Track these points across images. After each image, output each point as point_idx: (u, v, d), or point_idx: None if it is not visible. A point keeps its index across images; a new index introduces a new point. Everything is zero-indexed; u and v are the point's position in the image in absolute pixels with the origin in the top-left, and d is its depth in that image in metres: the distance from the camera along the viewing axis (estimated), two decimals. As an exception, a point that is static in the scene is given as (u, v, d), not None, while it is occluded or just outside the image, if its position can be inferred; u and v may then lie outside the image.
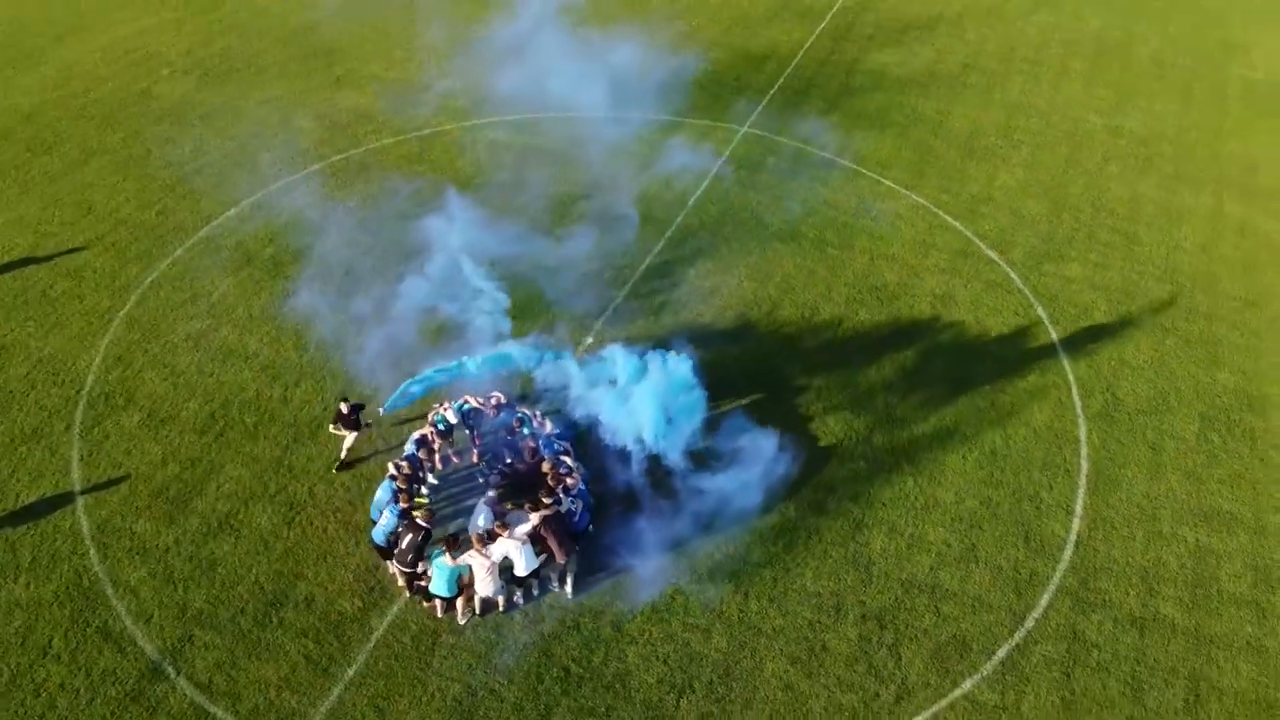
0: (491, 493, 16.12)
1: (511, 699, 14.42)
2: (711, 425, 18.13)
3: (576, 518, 15.62)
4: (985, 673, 14.99)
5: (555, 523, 15.13)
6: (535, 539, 14.99)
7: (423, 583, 15.12)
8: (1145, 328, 21.59)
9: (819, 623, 15.58)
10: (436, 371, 17.70)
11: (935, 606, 15.87)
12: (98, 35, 32.14)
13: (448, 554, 14.63)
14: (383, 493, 15.68)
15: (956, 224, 24.55)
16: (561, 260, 22.11)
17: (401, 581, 15.47)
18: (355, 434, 17.49)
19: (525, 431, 17.03)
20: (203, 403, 18.97)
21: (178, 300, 21.34)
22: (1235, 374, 20.47)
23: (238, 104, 28.47)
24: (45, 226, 23.52)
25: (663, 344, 19.09)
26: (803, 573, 16.29)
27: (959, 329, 21.31)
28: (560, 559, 15.20)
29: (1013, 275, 22.94)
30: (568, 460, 16.29)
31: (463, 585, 14.96)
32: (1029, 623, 15.70)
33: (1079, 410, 19.44)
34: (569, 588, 15.69)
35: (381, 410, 17.77)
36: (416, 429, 17.57)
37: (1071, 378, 20.17)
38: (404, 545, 14.82)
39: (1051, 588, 16.22)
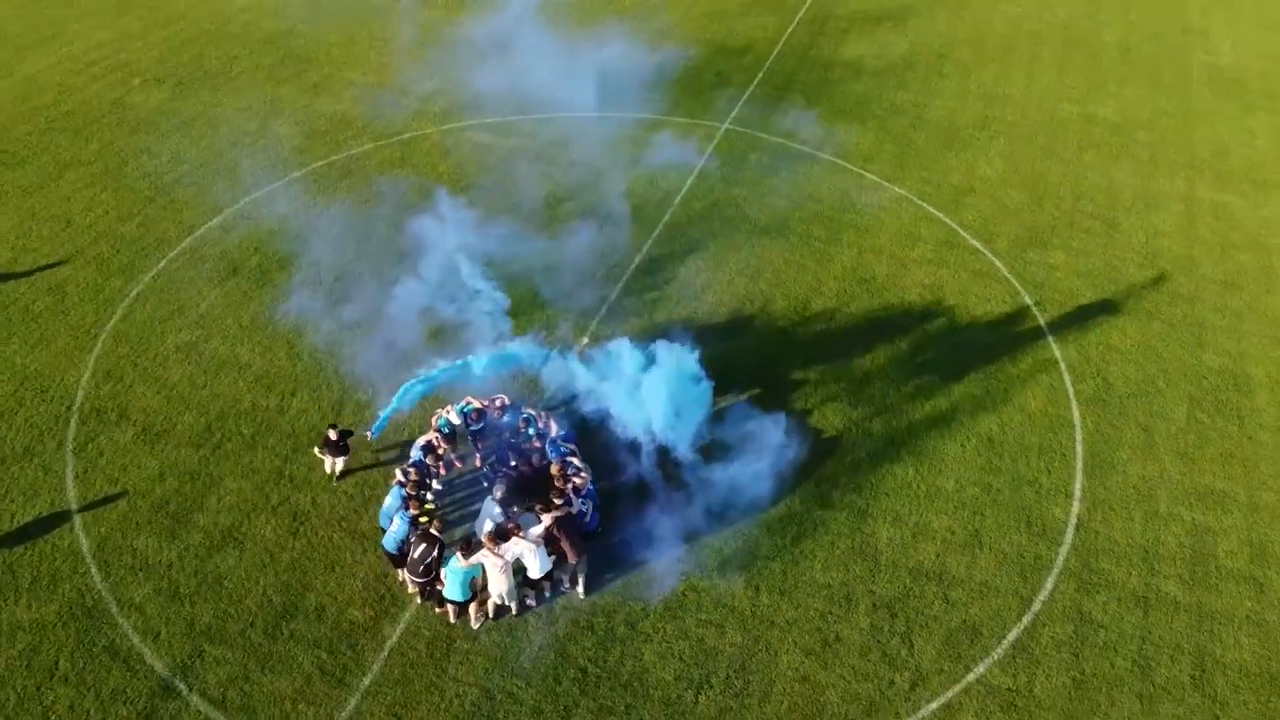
0: (498, 491, 16.04)
1: (530, 701, 14.40)
2: (715, 419, 18.20)
3: (587, 518, 15.63)
4: (996, 656, 15.19)
5: (567, 524, 15.12)
6: (547, 540, 14.97)
7: (438, 586, 15.03)
8: (1130, 312, 21.96)
9: (831, 613, 15.71)
10: (440, 371, 17.56)
11: (944, 593, 16.06)
12: (62, 46, 31.59)
13: (460, 555, 14.57)
14: (392, 499, 15.58)
15: (940, 215, 24.82)
16: (552, 261, 22.10)
17: (413, 589, 15.39)
18: (339, 459, 17.21)
19: (530, 432, 16.99)
20: (197, 415, 18.73)
21: (165, 313, 21.05)
22: (1220, 355, 20.89)
23: (213, 112, 28.11)
24: (23, 241, 23.09)
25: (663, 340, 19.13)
26: (812, 565, 16.41)
27: (949, 318, 21.55)
28: (572, 560, 15.19)
29: (998, 264, 23.24)
30: (575, 461, 16.28)
31: (476, 589, 14.91)
32: (1036, 606, 15.93)
33: (1071, 395, 19.75)
34: (581, 588, 15.70)
35: (370, 435, 17.49)
36: (415, 432, 17.49)
37: (1062, 363, 20.48)
38: (416, 556, 14.73)
39: (1055, 570, 16.47)
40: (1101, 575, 16.42)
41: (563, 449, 16.58)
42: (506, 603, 15.15)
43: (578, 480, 15.89)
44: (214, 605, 15.54)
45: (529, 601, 15.54)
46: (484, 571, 14.81)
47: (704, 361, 18.34)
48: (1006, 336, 21.12)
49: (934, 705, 14.54)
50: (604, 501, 16.61)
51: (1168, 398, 19.83)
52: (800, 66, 31.54)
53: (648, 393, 17.18)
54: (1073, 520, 17.30)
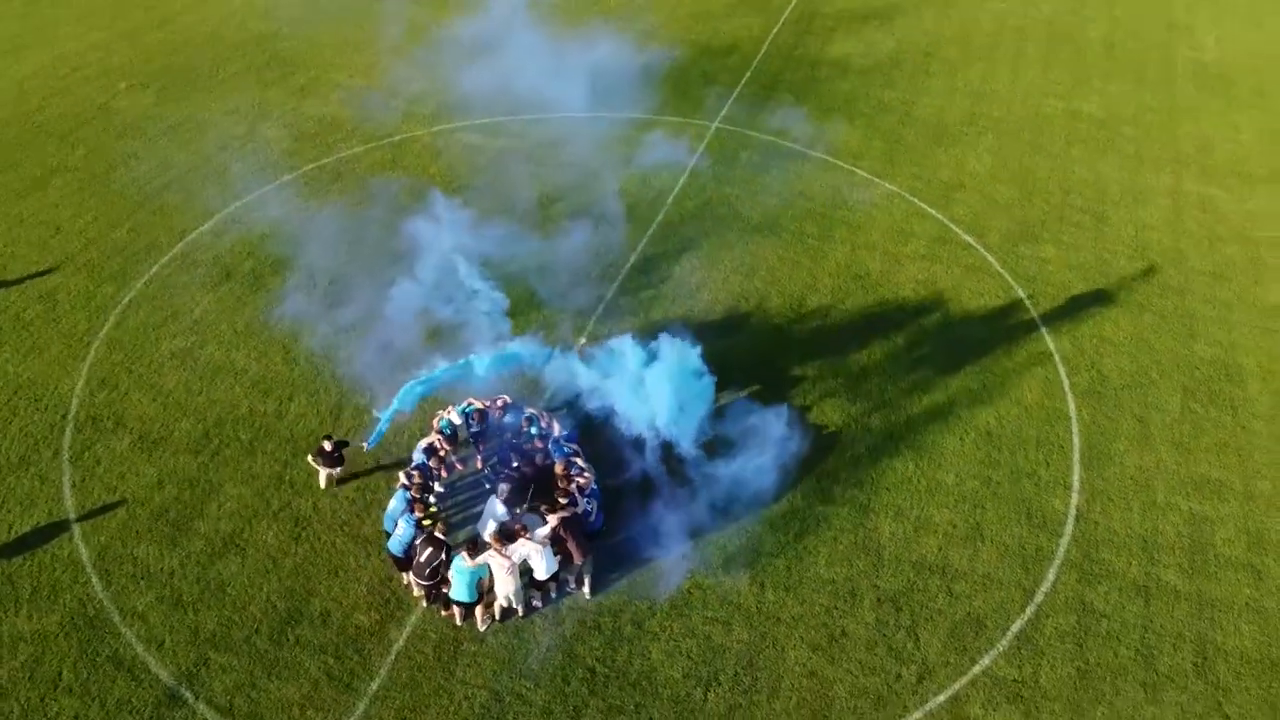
0: (503, 492, 16.01)
1: (540, 703, 14.39)
2: (715, 416, 18.24)
3: (592, 517, 15.64)
4: (1001, 648, 15.30)
5: (573, 524, 15.12)
6: (554, 541, 14.96)
7: (444, 589, 14.99)
8: (1122, 305, 22.16)
9: (836, 609, 15.78)
10: (442, 371, 17.47)
11: (947, 586, 16.15)
12: (46, 51, 31.27)
13: (466, 555, 14.53)
14: (396, 503, 15.51)
15: (932, 211, 24.96)
16: (547, 261, 22.08)
17: (418, 592, 15.34)
18: (331, 470, 17.06)
19: (533, 433, 16.97)
20: (195, 422, 18.61)
21: (158, 319, 20.89)
22: (1211, 346, 21.11)
23: (201, 116, 27.92)
24: (11, 248, 22.87)
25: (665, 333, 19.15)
26: (816, 560, 16.47)
27: (944, 313, 21.68)
28: (578, 560, 15.19)
29: (990, 259, 23.39)
30: (579, 461, 16.27)
31: (483, 590, 14.88)
32: (1039, 597, 16.05)
33: (1067, 388, 19.91)
34: (587, 588, 15.70)
35: (366, 446, 17.33)
36: (416, 435, 17.44)
37: (1056, 356, 20.64)
38: (422, 559, 14.68)
39: (1057, 562, 16.60)
40: (1102, 565, 16.57)
41: (566, 449, 16.57)
42: (513, 605, 15.12)
43: (581, 480, 15.89)
44: (218, 612, 15.44)
45: (535, 603, 15.53)
46: (490, 573, 14.78)
47: (703, 358, 18.37)
48: (1001, 330, 21.27)
49: (941, 698, 14.64)
50: (607, 500, 16.62)
51: (1161, 389, 20.03)
52: (787, 65, 31.63)
53: (652, 387, 17.20)
54: (1072, 512, 17.45)
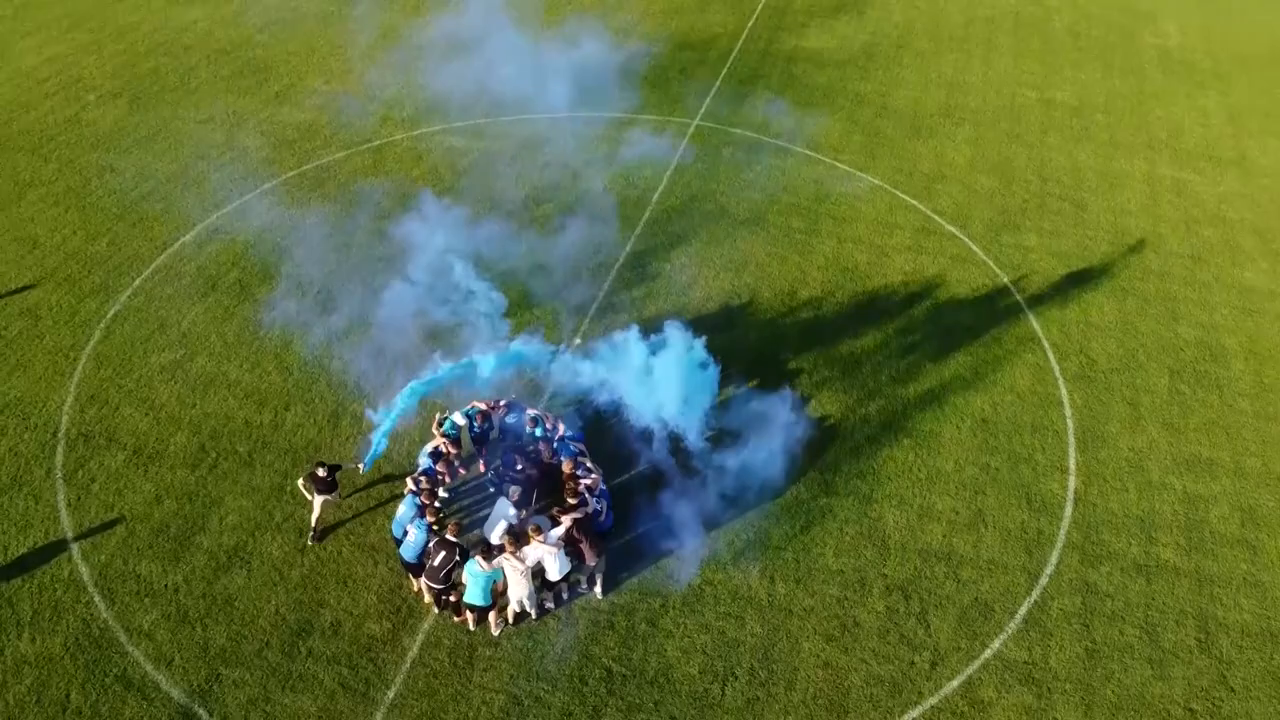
0: (514, 494, 15.96)
1: (559, 704, 14.38)
2: (717, 410, 18.34)
3: (603, 517, 15.65)
4: (1010, 631, 15.52)
5: (585, 525, 15.12)
6: (567, 542, 14.95)
7: (453, 597, 14.95)
8: (1105, 290, 22.54)
9: (846, 599, 15.92)
10: (446, 371, 17.29)
11: (954, 573, 16.35)
12: (9, 63, 30.60)
13: (481, 559, 14.48)
14: (406, 509, 15.40)
15: (915, 202, 25.21)
16: (537, 262, 22.06)
17: (429, 598, 15.27)
18: (326, 498, 16.32)
19: (538, 434, 16.93)
20: (190, 435, 18.36)
21: (145, 332, 20.57)
22: (1194, 327, 21.54)
23: (175, 126, 27.50)
24: (-12, 265, 22.43)
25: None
26: (823, 552, 16.61)
27: (933, 303, 21.92)
28: (591, 560, 15.20)
29: (975, 248, 23.68)
30: (586, 461, 16.27)
31: (497, 594, 14.83)
32: (1043, 580, 16.30)
33: (1057, 373, 20.22)
34: (599, 588, 15.70)
35: (362, 467, 16.93)
36: (416, 441, 17.33)
37: (1045, 342, 20.95)
38: (436, 563, 14.62)
39: (1059, 544, 16.87)
40: (1103, 546, 16.86)
41: (572, 448, 16.55)
42: (527, 608, 15.09)
43: (589, 480, 15.89)
44: (226, 627, 15.26)
45: (547, 604, 15.51)
46: (504, 576, 14.74)
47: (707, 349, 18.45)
48: (990, 319, 21.54)
49: (955, 683, 14.82)
50: (614, 499, 16.61)
51: (1149, 371, 20.40)
52: (763, 60, 31.77)
53: (660, 377, 17.20)
54: (1070, 494, 17.74)
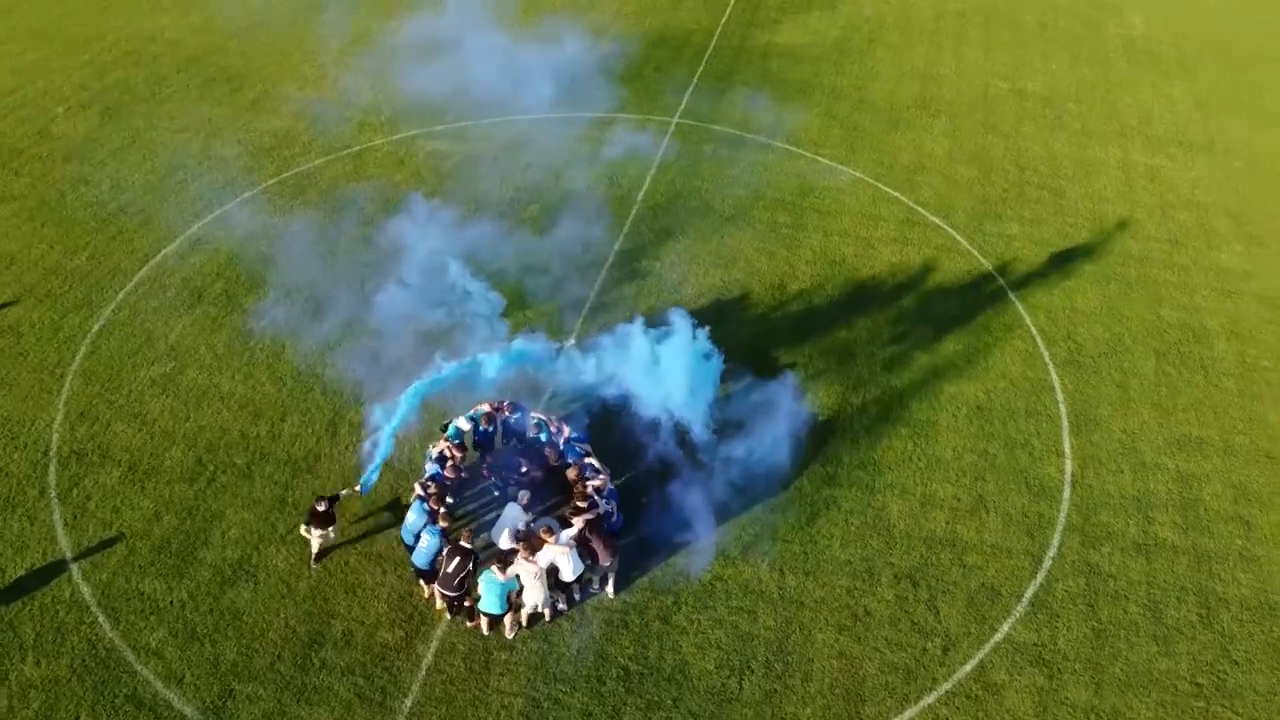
0: (524, 498, 15.91)
1: (578, 705, 14.38)
2: (718, 404, 18.42)
3: (613, 518, 15.67)
4: (1018, 614, 15.76)
5: (597, 526, 15.13)
6: (580, 544, 14.94)
7: (467, 603, 14.88)
8: (1088, 276, 22.92)
9: (856, 589, 16.06)
10: (450, 371, 17.11)
11: (959, 559, 16.56)
12: (-27, 76, 29.97)
13: (497, 568, 14.43)
14: (416, 516, 15.30)
15: (897, 194, 25.47)
16: (527, 263, 22.04)
17: (441, 604, 15.18)
18: (321, 534, 15.77)
19: (542, 438, 16.89)
20: (185, 449, 18.10)
21: (133, 346, 20.24)
22: (1176, 310, 21.98)
23: (149, 137, 27.06)
24: (-35, 283, 21.93)
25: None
26: (830, 543, 16.74)
27: (922, 294, 22.17)
28: (604, 561, 15.19)
29: (959, 238, 23.97)
30: (593, 462, 16.26)
31: (512, 601, 14.78)
32: (1047, 562, 16.56)
33: (1047, 359, 20.53)
34: (610, 588, 15.71)
35: (360, 490, 16.50)
36: (416, 448, 17.22)
37: (1033, 329, 21.28)
38: (450, 570, 14.54)
39: (1060, 527, 17.14)
40: (1102, 528, 17.16)
41: (578, 449, 16.54)
42: (541, 610, 15.06)
43: (597, 482, 15.89)
44: (236, 642, 15.08)
45: (560, 605, 15.49)
46: (520, 584, 14.69)
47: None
48: (978, 307, 21.83)
49: (968, 667, 15.02)
50: (621, 498, 16.61)
51: (1135, 354, 20.78)
52: (739, 57, 31.92)
53: (665, 366, 17.22)
54: (1068, 477, 18.03)
